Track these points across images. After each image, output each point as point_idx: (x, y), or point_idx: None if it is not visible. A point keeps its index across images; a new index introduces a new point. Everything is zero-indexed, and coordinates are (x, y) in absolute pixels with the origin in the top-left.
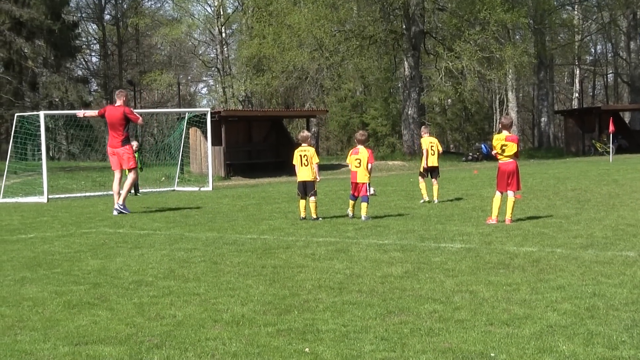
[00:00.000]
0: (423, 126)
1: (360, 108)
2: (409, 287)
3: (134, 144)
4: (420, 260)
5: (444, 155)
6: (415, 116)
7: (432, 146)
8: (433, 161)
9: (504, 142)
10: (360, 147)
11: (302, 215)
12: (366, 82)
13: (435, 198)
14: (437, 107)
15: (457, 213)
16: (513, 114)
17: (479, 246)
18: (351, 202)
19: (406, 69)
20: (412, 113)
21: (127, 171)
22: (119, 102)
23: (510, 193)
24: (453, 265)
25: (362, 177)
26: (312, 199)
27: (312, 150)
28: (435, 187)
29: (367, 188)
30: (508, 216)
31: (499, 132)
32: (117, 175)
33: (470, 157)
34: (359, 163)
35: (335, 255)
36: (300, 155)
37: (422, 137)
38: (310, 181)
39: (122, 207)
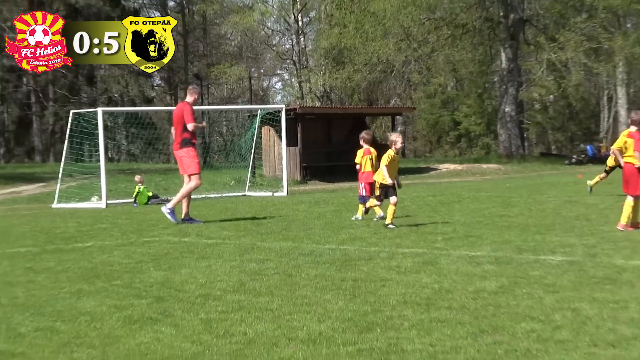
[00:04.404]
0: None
1: (452, 105)
2: (504, 303)
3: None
4: (517, 274)
5: (545, 157)
6: (513, 114)
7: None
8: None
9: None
10: (370, 147)
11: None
12: (458, 76)
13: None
14: (537, 104)
15: (558, 222)
16: (623, 112)
17: (582, 259)
18: (377, 203)
19: (503, 62)
20: (509, 110)
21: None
22: (189, 99)
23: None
24: (553, 279)
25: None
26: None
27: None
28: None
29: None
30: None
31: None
32: (185, 180)
33: (574, 160)
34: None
35: (422, 268)
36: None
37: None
38: None
39: (169, 211)
